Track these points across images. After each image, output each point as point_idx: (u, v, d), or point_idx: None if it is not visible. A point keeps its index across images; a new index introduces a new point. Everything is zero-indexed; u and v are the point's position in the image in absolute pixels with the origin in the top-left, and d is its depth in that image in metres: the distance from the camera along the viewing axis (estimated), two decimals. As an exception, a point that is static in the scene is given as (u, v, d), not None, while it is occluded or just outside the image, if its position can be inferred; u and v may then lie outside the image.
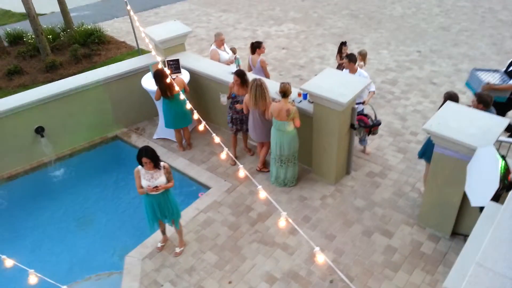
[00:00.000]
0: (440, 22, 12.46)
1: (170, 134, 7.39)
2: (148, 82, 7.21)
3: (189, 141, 7.30)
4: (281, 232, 5.48)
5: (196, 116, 5.02)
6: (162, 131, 7.48)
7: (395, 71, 9.62)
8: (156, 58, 6.63)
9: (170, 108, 6.73)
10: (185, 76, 7.28)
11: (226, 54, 7.83)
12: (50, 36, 12.15)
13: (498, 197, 3.97)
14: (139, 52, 9.73)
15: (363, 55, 8.38)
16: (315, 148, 6.22)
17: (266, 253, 5.28)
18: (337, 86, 5.68)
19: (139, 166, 4.81)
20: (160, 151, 7.01)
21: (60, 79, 7.77)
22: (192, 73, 7.42)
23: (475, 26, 11.96)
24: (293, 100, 6.06)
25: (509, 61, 6.60)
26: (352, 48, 10.92)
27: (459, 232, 5.24)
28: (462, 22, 12.37)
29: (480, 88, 6.14)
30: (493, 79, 6.28)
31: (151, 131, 7.81)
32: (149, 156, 4.68)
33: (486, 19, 12.49)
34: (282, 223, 3.46)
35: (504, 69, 6.59)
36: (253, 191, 6.21)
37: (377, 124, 6.47)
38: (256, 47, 7.43)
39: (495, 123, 4.72)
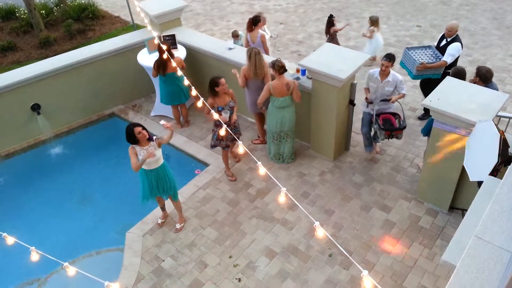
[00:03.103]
0: (440, -4, 12.26)
1: (168, 111, 7.34)
2: (144, 58, 7.11)
3: (186, 118, 7.25)
4: (280, 207, 5.52)
5: (194, 92, 4.97)
6: (159, 108, 7.43)
7: (395, 46, 9.50)
8: (152, 33, 6.51)
9: (166, 85, 6.66)
10: (181, 52, 7.17)
11: (266, 35, 7.63)
12: (43, 11, 11.89)
13: (496, 172, 3.99)
14: (134, 27, 9.57)
15: (375, 21, 8.33)
16: (314, 125, 6.20)
17: (265, 228, 5.34)
18: (336, 62, 5.62)
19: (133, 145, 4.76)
20: (157, 128, 7.00)
21: (54, 55, 7.65)
22: (189, 49, 7.31)
23: (475, 0, 11.77)
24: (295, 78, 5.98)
25: (440, 35, 6.64)
26: (352, 23, 10.79)
27: (457, 207, 5.30)
28: (462, -5, 12.18)
29: (415, 69, 6.27)
30: (426, 57, 6.40)
31: (148, 108, 7.76)
32: (139, 125, 4.65)
33: (487, -7, 12.29)
34: (281, 198, 3.49)
35: (435, 44, 6.64)
36: (252, 167, 6.23)
37: (402, 127, 5.62)
38: (257, 21, 7.26)
39: (495, 98, 4.71)
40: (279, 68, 5.57)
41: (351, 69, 5.51)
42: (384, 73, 5.64)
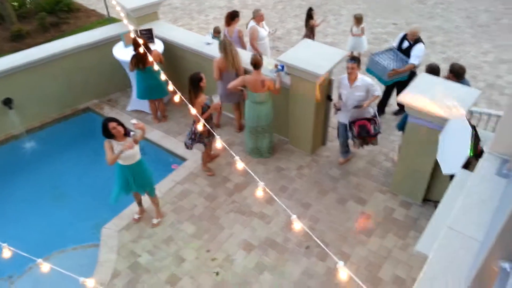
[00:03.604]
0: (416, -6, 12.48)
1: (144, 105, 7.24)
2: (120, 52, 6.98)
3: (164, 113, 7.18)
4: (258, 202, 5.54)
5: (171, 87, 4.92)
6: (136, 102, 7.32)
7: (372, 43, 9.63)
8: (128, 27, 6.40)
9: (143, 80, 6.57)
10: (159, 47, 7.08)
11: (264, 31, 7.56)
12: (15, 3, 11.53)
13: (468, 165, 4.11)
14: (110, 20, 9.38)
15: (359, 19, 8.40)
16: (292, 119, 6.24)
17: (243, 223, 5.35)
18: (314, 58, 5.66)
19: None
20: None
21: (27, 48, 7.42)
22: (166, 43, 7.22)
23: (450, -1, 12.05)
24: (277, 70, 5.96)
25: (399, 36, 6.68)
26: (330, 19, 10.87)
27: (430, 199, 5.43)
28: (437, -6, 12.43)
29: (386, 76, 6.30)
30: (393, 61, 6.44)
31: (124, 103, 7.64)
32: (115, 120, 4.58)
33: (460, -8, 12.59)
34: (259, 192, 3.50)
35: (395, 44, 6.70)
36: (230, 162, 6.22)
37: (375, 134, 5.52)
38: (234, 16, 7.25)
39: (467, 94, 4.84)
40: (252, 62, 5.55)
41: (329, 65, 5.56)
42: (352, 77, 5.43)
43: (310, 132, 6.12)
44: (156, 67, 5.36)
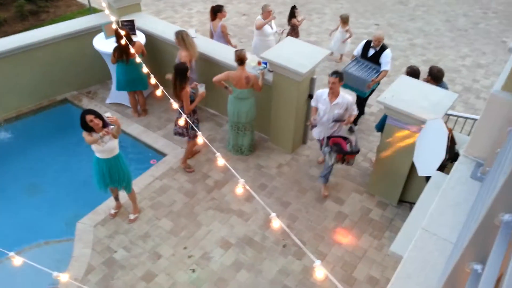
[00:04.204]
0: (398, -4, 12.65)
1: (124, 99, 7.13)
2: (101, 43, 6.84)
3: (144, 106, 7.08)
4: (237, 199, 5.53)
5: (153, 80, 4.85)
6: (116, 95, 7.20)
7: (354, 43, 9.66)
8: (109, 18, 6.28)
9: (125, 72, 6.45)
10: (140, 39, 6.96)
11: (269, 29, 7.51)
12: (-8, -11, 11.14)
13: (443, 167, 4.19)
14: (91, 10, 9.18)
15: (345, 19, 8.43)
16: (273, 117, 6.25)
17: (222, 220, 5.33)
18: (297, 56, 5.67)
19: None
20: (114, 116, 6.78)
21: (4, 36, 7.20)
22: (148, 36, 7.11)
23: (431, 2, 12.24)
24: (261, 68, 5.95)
25: (361, 45, 6.47)
26: (313, 18, 10.91)
27: (405, 200, 5.53)
28: (419, -3, 12.63)
29: (366, 87, 6.15)
30: (365, 71, 6.22)
31: (103, 95, 7.49)
32: (92, 112, 4.49)
33: (441, -4, 12.82)
34: (239, 190, 3.49)
35: (356, 53, 6.52)
36: (210, 158, 6.18)
37: (355, 151, 5.24)
38: (216, 11, 7.20)
39: (445, 97, 4.93)
40: (236, 58, 5.52)
41: (311, 64, 5.58)
42: (333, 93, 5.10)
43: (291, 131, 6.14)
44: (138, 59, 5.28)
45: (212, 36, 7.41)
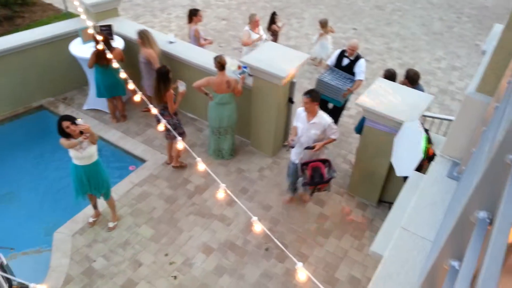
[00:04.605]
0: (375, 1, 12.86)
1: (102, 104, 7.01)
2: (78, 49, 6.73)
3: (123, 112, 6.98)
4: (218, 204, 5.50)
5: (131, 86, 4.80)
6: (93, 101, 7.08)
7: (332, 48, 9.83)
8: (86, 23, 6.18)
9: (104, 78, 6.36)
10: (118, 44, 6.88)
11: (256, 37, 7.42)
12: (-36, -6, 10.84)
13: (421, 168, 4.27)
14: (67, 15, 9.02)
15: (324, 23, 8.51)
16: (254, 121, 6.25)
17: (203, 225, 5.29)
18: (277, 60, 5.70)
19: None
20: (91, 122, 6.69)
21: (-24, 41, 7.01)
22: (127, 41, 7.04)
23: (407, 7, 12.51)
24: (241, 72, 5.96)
25: (336, 54, 6.35)
26: (292, 23, 11.00)
27: (385, 200, 5.60)
28: (395, 1, 12.87)
29: (341, 96, 6.11)
30: (340, 80, 6.16)
31: (80, 101, 7.36)
32: (69, 118, 4.41)
33: (417, 0, 13.10)
34: (220, 194, 3.48)
35: (330, 62, 6.41)
36: (190, 163, 6.13)
37: (328, 180, 4.92)
38: (192, 14, 7.20)
39: (421, 99, 5.04)
40: (216, 64, 5.52)
41: (291, 68, 5.61)
42: (310, 112, 4.82)
43: (272, 134, 6.16)
44: (116, 65, 5.22)
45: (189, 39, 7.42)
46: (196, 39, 7.21)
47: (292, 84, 5.95)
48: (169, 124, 5.56)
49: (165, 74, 5.38)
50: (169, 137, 5.84)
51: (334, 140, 4.96)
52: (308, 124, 4.86)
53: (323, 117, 4.86)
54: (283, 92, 5.83)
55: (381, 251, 3.07)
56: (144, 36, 6.21)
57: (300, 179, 4.97)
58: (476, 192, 1.23)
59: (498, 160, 1.09)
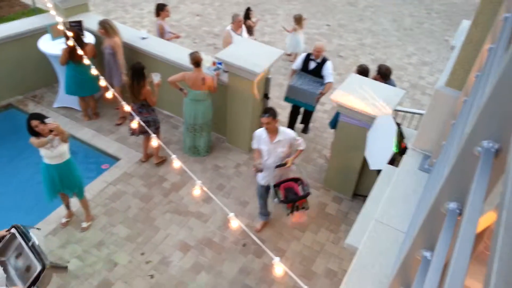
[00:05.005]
0: (347, -3, 13.03)
1: (73, 102, 6.84)
2: (47, 45, 6.53)
3: (95, 110, 6.82)
4: (195, 201, 5.47)
5: (103, 83, 4.70)
6: (64, 99, 6.88)
7: (306, 43, 9.88)
8: (56, 19, 6.01)
9: (76, 75, 6.19)
10: (89, 40, 6.71)
11: (238, 38, 7.22)
12: None
13: (393, 161, 4.36)
14: (36, 11, 8.73)
15: (299, 19, 8.54)
16: (230, 117, 6.23)
17: (180, 223, 5.25)
18: (251, 56, 5.69)
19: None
20: (62, 121, 6.52)
21: None
22: (98, 37, 6.87)
23: (378, 3, 12.71)
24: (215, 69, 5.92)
25: (302, 58, 6.24)
26: (266, 19, 11.00)
27: (359, 194, 5.71)
28: (367, -2, 13.07)
29: (314, 101, 6.09)
30: (310, 85, 6.09)
31: (50, 99, 7.15)
32: (37, 117, 4.30)
33: (388, -3, 13.34)
34: (196, 191, 3.46)
35: (295, 67, 6.32)
36: (166, 161, 6.07)
37: (305, 195, 4.66)
38: (159, 9, 7.10)
39: (393, 94, 5.14)
40: (191, 61, 5.47)
41: (266, 64, 5.62)
42: (271, 131, 4.55)
43: (248, 130, 6.15)
44: (87, 61, 5.10)
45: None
46: (160, 35, 7.11)
47: (267, 80, 5.97)
48: (148, 121, 5.52)
49: (140, 70, 5.31)
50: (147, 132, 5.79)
51: (302, 151, 4.76)
52: (272, 145, 4.59)
53: (286, 132, 4.63)
54: (258, 88, 5.83)
55: (356, 244, 3.13)
56: (107, 26, 6.09)
57: (275, 200, 4.64)
58: (446, 183, 1.27)
59: (467, 152, 1.12)
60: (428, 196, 2.28)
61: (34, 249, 3.59)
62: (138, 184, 5.72)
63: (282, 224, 5.32)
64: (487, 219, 1.24)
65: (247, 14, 8.53)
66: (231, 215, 3.21)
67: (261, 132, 4.65)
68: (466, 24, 4.53)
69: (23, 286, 3.46)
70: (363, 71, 5.76)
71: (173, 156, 3.70)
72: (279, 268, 2.83)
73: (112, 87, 5.78)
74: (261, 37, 9.89)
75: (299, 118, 6.82)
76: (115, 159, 6.14)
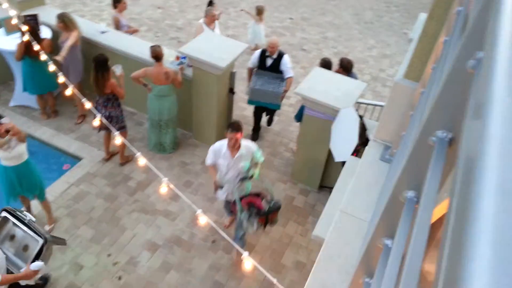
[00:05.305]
0: (310, -9, 13.14)
1: (31, 100, 6.56)
2: (1, 40, 6.23)
3: (53, 108, 6.57)
4: (162, 199, 5.39)
5: (61, 79, 4.53)
6: (21, 97, 6.59)
7: (270, 37, 9.91)
8: (9, 13, 5.73)
9: (34, 71, 5.94)
10: (46, 34, 6.44)
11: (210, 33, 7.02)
12: None
13: (357, 152, 4.47)
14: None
15: (260, 10, 8.52)
16: (195, 113, 6.17)
17: (147, 222, 5.17)
18: (216, 50, 5.64)
19: None
20: (19, 120, 6.25)
21: None
22: (54, 31, 6.60)
23: (339, -3, 12.91)
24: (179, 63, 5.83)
25: (256, 56, 6.06)
26: (230, 12, 10.93)
27: (325, 185, 5.81)
28: (329, -8, 13.23)
29: (279, 99, 5.98)
30: (272, 83, 5.94)
31: (6, 98, 6.82)
32: None
33: (349, -9, 13.56)
34: (163, 189, 3.41)
35: (252, 65, 6.12)
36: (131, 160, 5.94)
37: (275, 208, 4.30)
38: (115, 1, 6.90)
39: (355, 86, 5.25)
40: (151, 55, 5.34)
41: (230, 58, 5.58)
42: (234, 147, 4.28)
43: (214, 126, 6.12)
44: (45, 57, 4.90)
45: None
46: (116, 29, 6.92)
47: (232, 74, 5.94)
48: (111, 116, 5.36)
49: (104, 62, 5.13)
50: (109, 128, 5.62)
51: (261, 163, 4.55)
52: (233, 160, 4.32)
53: (247, 146, 4.36)
54: (223, 82, 5.80)
55: (323, 235, 3.18)
56: (66, 19, 5.88)
57: (242, 215, 4.21)
58: (403, 173, 1.31)
59: (422, 142, 1.16)
60: (389, 185, 2.35)
61: (31, 225, 3.75)
62: (102, 184, 5.58)
63: (251, 218, 5.34)
64: (445, 206, 1.30)
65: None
66: (199, 211, 3.19)
67: (221, 147, 4.35)
68: (423, 17, 4.67)
69: (25, 264, 3.62)
70: (326, 64, 5.84)
71: (138, 153, 3.64)
72: (248, 263, 2.85)
73: (76, 86, 5.60)
74: (224, 31, 9.82)
75: (264, 114, 6.70)
76: (77, 158, 5.95)
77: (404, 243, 1.24)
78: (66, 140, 6.18)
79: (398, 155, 2.78)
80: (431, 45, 2.85)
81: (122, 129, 5.60)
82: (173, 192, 3.33)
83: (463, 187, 0.53)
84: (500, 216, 0.42)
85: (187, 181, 5.77)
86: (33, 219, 3.88)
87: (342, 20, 11.36)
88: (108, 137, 5.71)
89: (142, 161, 3.60)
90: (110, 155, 5.92)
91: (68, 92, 4.57)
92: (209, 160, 4.48)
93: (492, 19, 0.65)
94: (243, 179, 4.35)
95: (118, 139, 3.87)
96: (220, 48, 5.73)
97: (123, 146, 5.67)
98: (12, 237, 3.84)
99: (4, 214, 3.82)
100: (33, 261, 3.60)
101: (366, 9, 12.24)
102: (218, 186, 4.46)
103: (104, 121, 4.75)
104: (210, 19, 6.86)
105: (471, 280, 0.38)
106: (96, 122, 4.57)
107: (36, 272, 3.55)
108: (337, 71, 5.75)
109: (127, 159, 5.92)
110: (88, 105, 4.31)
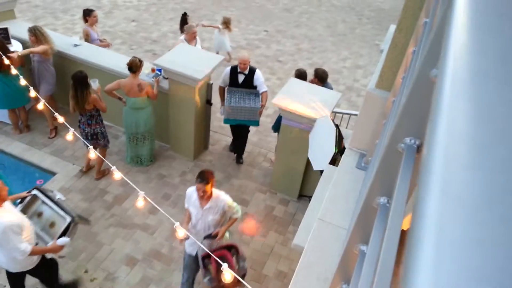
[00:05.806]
0: (284, 4, 13.35)
1: (2, 115, 6.39)
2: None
3: (26, 122, 6.43)
4: (140, 212, 5.32)
5: (33, 93, 4.45)
6: (-9, 112, 6.42)
7: (245, 49, 10.01)
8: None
9: (3, 85, 5.80)
10: (17, 48, 6.32)
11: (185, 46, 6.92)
12: None
13: (334, 161, 4.53)
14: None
15: (227, 21, 8.61)
16: (172, 125, 6.15)
17: (125, 236, 5.08)
18: (191, 62, 5.66)
19: None
20: (-11, 135, 6.06)
21: None
22: (26, 45, 6.48)
23: (313, 9, 13.16)
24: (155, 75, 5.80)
25: (227, 73, 5.89)
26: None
27: (304, 194, 5.86)
28: (302, 5, 13.48)
29: (258, 115, 5.78)
30: (248, 100, 5.79)
31: (-25, 113, 6.63)
32: None
33: (322, 3, 13.85)
34: (140, 203, 3.37)
35: (223, 83, 5.98)
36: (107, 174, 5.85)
37: (242, 276, 3.74)
38: (85, 15, 6.89)
39: (330, 96, 5.35)
40: (127, 65, 5.32)
41: (207, 70, 5.60)
42: (204, 198, 3.85)
43: (192, 137, 6.10)
44: (15, 71, 4.80)
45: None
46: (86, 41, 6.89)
47: (209, 86, 5.96)
48: (96, 133, 5.33)
49: (82, 79, 5.04)
50: (97, 145, 5.56)
51: (236, 220, 4.10)
52: (202, 211, 3.90)
53: (220, 199, 3.91)
54: (200, 94, 5.80)
55: (302, 244, 3.21)
56: (38, 33, 5.82)
57: (205, 279, 3.91)
58: (375, 179, 1.35)
59: (392, 149, 1.20)
60: (364, 192, 2.40)
61: (60, 204, 4.04)
62: (77, 199, 5.46)
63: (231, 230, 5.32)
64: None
65: (184, 20, 8.47)
66: (177, 224, 3.17)
67: (192, 193, 3.97)
68: (393, 29, 4.82)
69: (51, 239, 3.88)
70: (301, 75, 5.93)
71: (113, 167, 3.59)
72: (227, 274, 2.84)
73: (48, 102, 5.51)
74: (200, 43, 9.85)
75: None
76: (51, 173, 5.82)
77: (378, 248, 1.28)
78: (40, 155, 6.04)
79: (372, 162, 2.85)
80: (400, 55, 2.95)
81: (107, 145, 5.68)
82: (151, 205, 3.30)
83: (419, 191, 0.57)
84: (442, 219, 0.45)
85: (165, 193, 5.72)
86: (63, 198, 4.21)
87: (316, 32, 11.57)
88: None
89: (117, 174, 3.56)
90: (88, 168, 5.83)
91: (40, 106, 4.48)
92: (186, 204, 4.10)
93: (446, 31, 0.70)
94: (207, 236, 3.93)
95: (92, 153, 3.82)
96: (196, 60, 5.75)
97: (101, 161, 5.61)
98: (40, 215, 4.09)
99: (35, 191, 4.10)
100: (59, 237, 3.84)
101: (339, 22, 12.52)
102: (183, 239, 3.81)
103: (78, 135, 4.68)
104: (191, 36, 6.75)
105: (415, 279, 0.41)
106: (69, 137, 4.49)
107: (62, 247, 3.82)
108: (312, 81, 5.84)
109: (103, 174, 5.82)
110: (61, 119, 4.23)
